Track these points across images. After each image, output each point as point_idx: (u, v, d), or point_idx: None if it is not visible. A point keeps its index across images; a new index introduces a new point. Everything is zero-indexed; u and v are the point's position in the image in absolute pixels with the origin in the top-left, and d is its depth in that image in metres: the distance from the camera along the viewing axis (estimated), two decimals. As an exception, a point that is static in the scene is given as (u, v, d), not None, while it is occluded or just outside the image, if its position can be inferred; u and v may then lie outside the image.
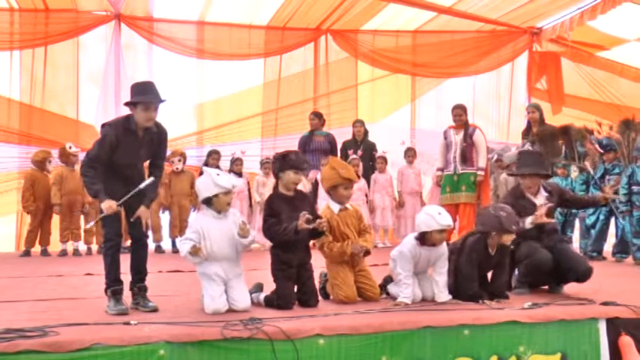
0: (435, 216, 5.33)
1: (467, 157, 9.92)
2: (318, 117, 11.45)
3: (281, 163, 5.36)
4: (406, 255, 5.44)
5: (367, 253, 5.54)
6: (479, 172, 9.87)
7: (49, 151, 10.60)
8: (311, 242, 5.48)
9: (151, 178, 5.17)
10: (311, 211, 5.29)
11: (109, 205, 4.93)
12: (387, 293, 5.65)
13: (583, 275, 5.76)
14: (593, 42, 13.37)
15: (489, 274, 5.74)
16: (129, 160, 5.15)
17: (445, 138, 10.25)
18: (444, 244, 5.55)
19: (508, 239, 5.48)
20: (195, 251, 4.87)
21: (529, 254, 5.85)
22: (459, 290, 5.50)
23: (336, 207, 5.55)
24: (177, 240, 10.74)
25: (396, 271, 5.48)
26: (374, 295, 5.50)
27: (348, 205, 5.63)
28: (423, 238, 5.40)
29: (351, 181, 5.56)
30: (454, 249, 5.64)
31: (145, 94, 5.05)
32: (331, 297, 5.56)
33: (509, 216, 5.46)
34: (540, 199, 6.01)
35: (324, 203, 5.93)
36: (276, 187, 5.43)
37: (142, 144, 5.16)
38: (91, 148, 5.11)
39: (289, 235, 5.09)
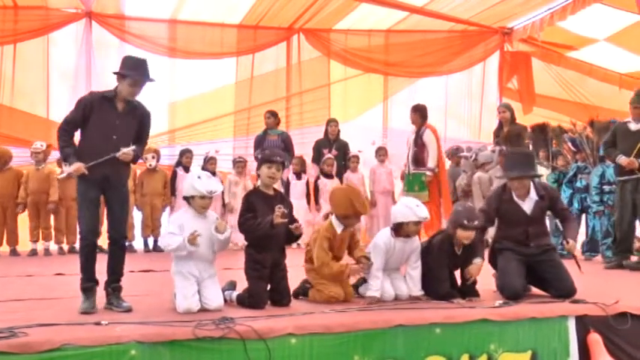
0: (412, 207, 5.40)
1: (419, 157, 10.04)
2: (273, 115, 11.42)
3: (258, 161, 5.40)
4: (380, 247, 5.47)
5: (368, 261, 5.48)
6: (427, 172, 9.94)
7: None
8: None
9: (130, 147, 5.11)
10: (289, 214, 5.27)
11: (77, 167, 4.93)
12: (358, 293, 5.66)
13: (566, 295, 5.50)
14: (563, 42, 13.52)
15: (458, 274, 5.74)
16: (104, 130, 5.05)
17: (408, 138, 10.48)
18: (417, 238, 5.59)
19: (464, 235, 5.41)
20: (193, 239, 4.82)
21: (501, 276, 5.73)
22: (431, 290, 5.52)
23: (339, 227, 5.44)
24: (150, 239, 10.70)
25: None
26: (346, 295, 5.49)
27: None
28: (399, 229, 5.45)
29: (363, 214, 5.56)
30: (422, 248, 5.66)
31: (136, 70, 5.10)
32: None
33: (465, 211, 5.49)
34: (529, 203, 5.78)
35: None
36: (257, 185, 5.42)
37: (120, 115, 5.11)
38: (68, 114, 5.13)
39: (264, 229, 5.05)
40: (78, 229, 5.19)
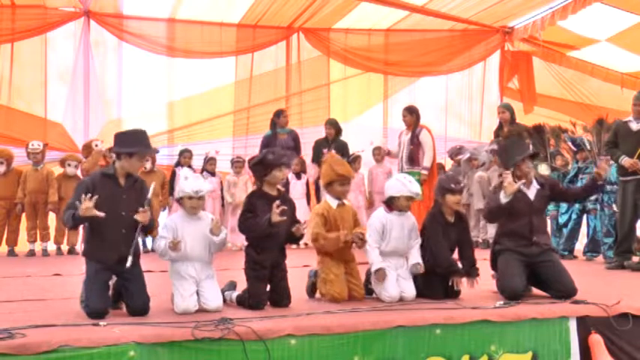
0: (405, 183, 5.53)
1: (413, 157, 10.07)
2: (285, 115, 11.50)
3: (263, 169, 5.25)
4: (375, 224, 5.54)
5: (363, 240, 5.48)
6: (422, 172, 9.94)
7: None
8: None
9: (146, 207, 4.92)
10: (292, 214, 5.27)
11: (85, 207, 4.65)
12: (368, 294, 5.65)
13: (566, 296, 5.46)
14: (564, 42, 13.49)
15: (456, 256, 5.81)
16: (111, 208, 4.79)
17: (398, 138, 10.46)
18: (411, 214, 5.73)
19: (453, 199, 5.61)
20: (174, 245, 4.80)
21: (502, 276, 5.70)
22: (435, 267, 5.56)
23: (334, 202, 5.54)
24: (148, 240, 10.65)
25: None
26: (358, 295, 5.48)
27: (345, 201, 5.64)
28: (391, 204, 5.57)
29: (346, 177, 5.55)
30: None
31: (142, 145, 5.03)
32: (318, 294, 5.56)
33: (448, 177, 5.81)
34: (532, 190, 5.79)
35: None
36: (260, 186, 5.35)
37: (124, 190, 4.95)
38: (70, 200, 4.94)
39: (263, 227, 5.02)
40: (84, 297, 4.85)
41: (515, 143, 6.03)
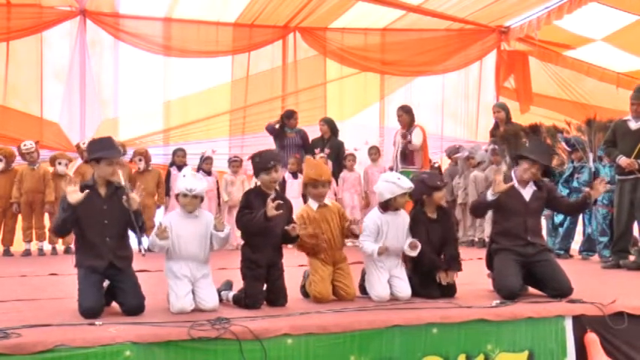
0: (396, 182, 5.55)
1: (407, 156, 10.04)
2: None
3: (254, 169, 5.37)
4: (370, 226, 5.56)
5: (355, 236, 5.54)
6: (414, 170, 9.95)
7: None
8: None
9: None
10: (288, 214, 5.28)
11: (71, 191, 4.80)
12: (362, 294, 5.64)
13: (562, 295, 5.47)
14: (560, 41, 13.51)
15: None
16: (93, 218, 4.94)
17: (394, 138, 10.52)
18: (405, 212, 5.73)
19: (439, 196, 5.67)
20: (161, 232, 4.82)
21: (498, 275, 5.72)
22: (419, 265, 5.60)
23: (314, 204, 5.55)
24: (144, 239, 10.62)
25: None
26: (347, 295, 5.47)
27: (327, 202, 5.62)
28: (387, 206, 5.59)
29: (317, 180, 5.52)
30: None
31: (108, 150, 5.11)
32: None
33: (430, 176, 5.85)
34: (528, 191, 5.81)
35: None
36: (258, 185, 5.39)
37: (105, 200, 5.03)
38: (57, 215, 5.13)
39: (259, 220, 5.03)
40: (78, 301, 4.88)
41: (543, 147, 6.23)
